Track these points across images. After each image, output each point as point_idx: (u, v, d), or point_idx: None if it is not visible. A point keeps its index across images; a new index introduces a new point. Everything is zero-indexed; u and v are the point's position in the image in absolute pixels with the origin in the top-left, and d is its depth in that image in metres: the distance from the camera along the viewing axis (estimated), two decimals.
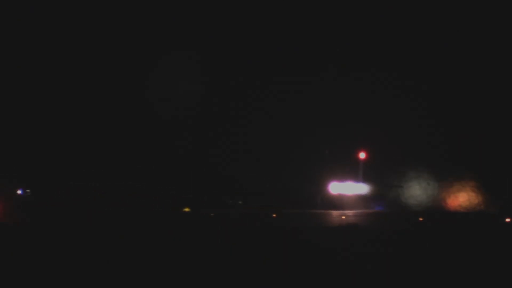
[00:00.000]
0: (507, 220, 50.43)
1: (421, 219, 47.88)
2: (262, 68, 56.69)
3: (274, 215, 48.49)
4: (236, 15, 56.52)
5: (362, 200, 50.72)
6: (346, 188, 49.35)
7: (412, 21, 58.49)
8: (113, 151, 57.83)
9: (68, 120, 60.25)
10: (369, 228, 45.94)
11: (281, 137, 51.15)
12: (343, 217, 47.76)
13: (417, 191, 50.37)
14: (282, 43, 57.59)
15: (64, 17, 57.12)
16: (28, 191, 64.61)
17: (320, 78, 54.50)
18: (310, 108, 52.40)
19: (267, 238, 40.10)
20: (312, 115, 51.41)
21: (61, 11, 55.93)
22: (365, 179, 48.83)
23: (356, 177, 48.94)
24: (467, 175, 51.33)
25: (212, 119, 55.88)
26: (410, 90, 55.11)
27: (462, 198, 50.74)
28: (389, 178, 49.30)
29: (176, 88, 56.04)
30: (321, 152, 49.23)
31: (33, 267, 28.46)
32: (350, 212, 50.50)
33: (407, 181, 49.94)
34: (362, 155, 47.66)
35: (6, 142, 62.93)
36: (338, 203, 50.39)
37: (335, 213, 50.46)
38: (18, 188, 64.52)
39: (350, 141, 48.68)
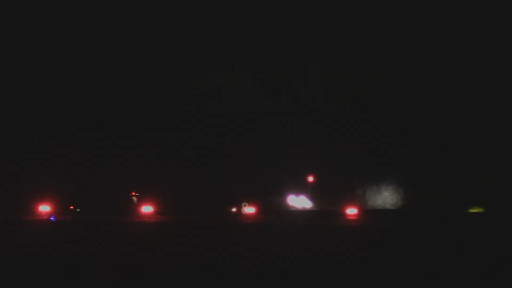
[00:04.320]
0: None
1: None
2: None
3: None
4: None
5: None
6: (300, 201, 59.91)
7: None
8: None
9: None
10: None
11: (253, 164, 60.79)
12: None
13: None
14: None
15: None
16: None
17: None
18: (275, 142, 61.57)
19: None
20: (275, 148, 61.23)
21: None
22: (312, 195, 60.08)
23: (307, 193, 60.00)
24: None
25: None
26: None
27: None
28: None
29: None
30: (282, 175, 60.80)
31: None
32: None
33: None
34: (310, 179, 59.16)
35: None
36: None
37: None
38: None
39: (303, 167, 60.01)
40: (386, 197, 60.20)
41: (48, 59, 57.64)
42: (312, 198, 60.38)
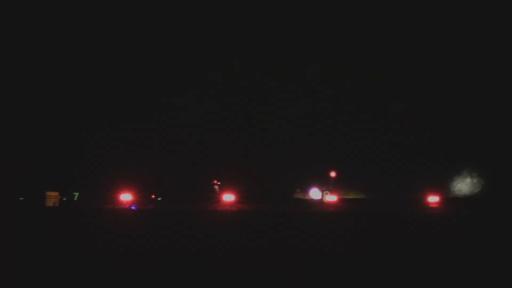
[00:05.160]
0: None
1: None
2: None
3: None
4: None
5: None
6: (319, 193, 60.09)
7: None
8: None
9: None
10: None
11: (280, 160, 60.94)
12: None
13: None
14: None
15: None
16: None
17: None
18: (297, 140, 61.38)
19: None
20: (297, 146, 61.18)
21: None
22: (333, 189, 60.47)
23: (328, 187, 60.23)
24: None
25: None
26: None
27: None
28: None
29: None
30: (305, 171, 61.14)
31: None
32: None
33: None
34: (332, 174, 58.92)
35: None
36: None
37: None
38: None
39: (325, 163, 60.21)
40: (466, 185, 59.21)
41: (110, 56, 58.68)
42: (334, 191, 62.21)
